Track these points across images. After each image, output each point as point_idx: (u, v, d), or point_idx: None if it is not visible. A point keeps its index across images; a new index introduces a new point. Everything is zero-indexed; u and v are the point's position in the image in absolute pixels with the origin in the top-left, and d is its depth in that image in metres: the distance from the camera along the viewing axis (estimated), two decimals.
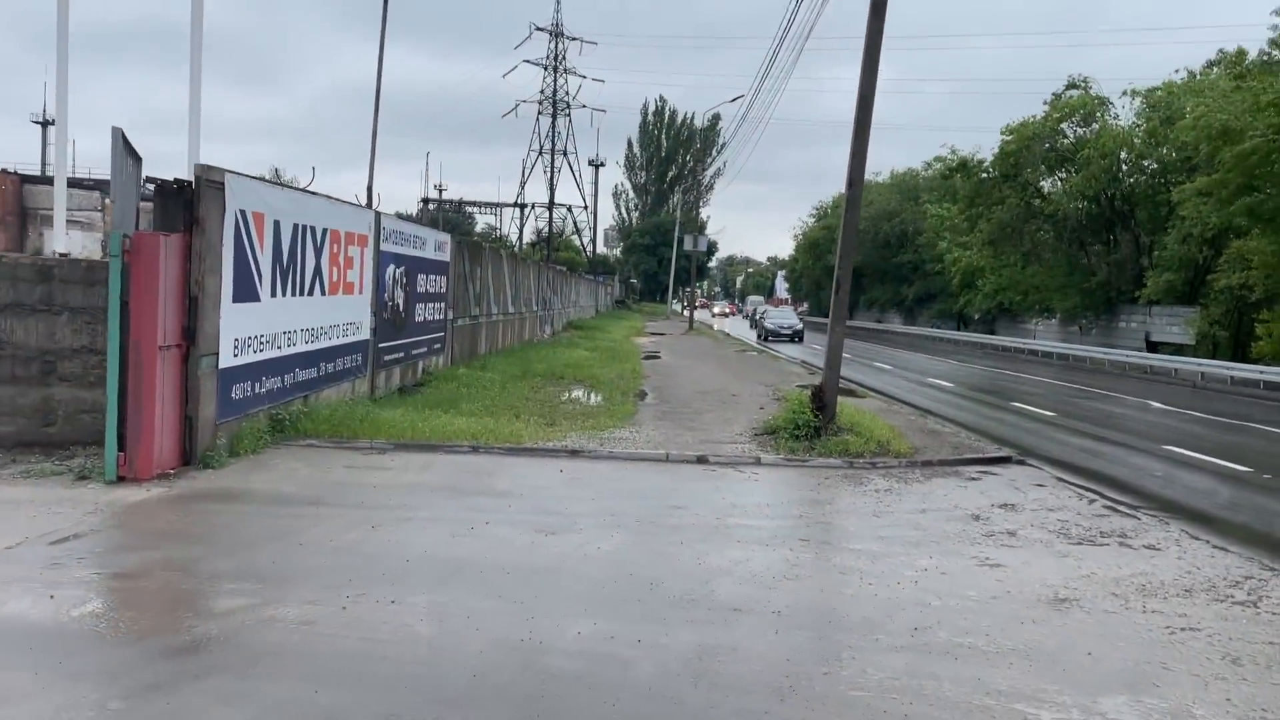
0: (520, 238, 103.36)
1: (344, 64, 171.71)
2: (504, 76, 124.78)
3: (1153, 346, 34.91)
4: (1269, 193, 24.51)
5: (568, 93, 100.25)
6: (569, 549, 7.28)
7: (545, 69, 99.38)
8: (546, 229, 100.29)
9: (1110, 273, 36.84)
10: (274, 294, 10.84)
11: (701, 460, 11.30)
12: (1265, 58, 31.80)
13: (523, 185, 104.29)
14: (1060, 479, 11.49)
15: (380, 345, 15.06)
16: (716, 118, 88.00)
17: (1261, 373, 25.69)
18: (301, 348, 11.69)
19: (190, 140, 11.26)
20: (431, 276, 18.18)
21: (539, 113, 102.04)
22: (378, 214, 14.71)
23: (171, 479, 8.80)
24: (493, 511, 8.29)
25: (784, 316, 50.78)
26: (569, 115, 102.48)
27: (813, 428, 12.19)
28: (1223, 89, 30.71)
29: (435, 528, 7.63)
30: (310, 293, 11.97)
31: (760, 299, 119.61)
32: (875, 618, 6.01)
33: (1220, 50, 35.89)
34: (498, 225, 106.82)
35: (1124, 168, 35.62)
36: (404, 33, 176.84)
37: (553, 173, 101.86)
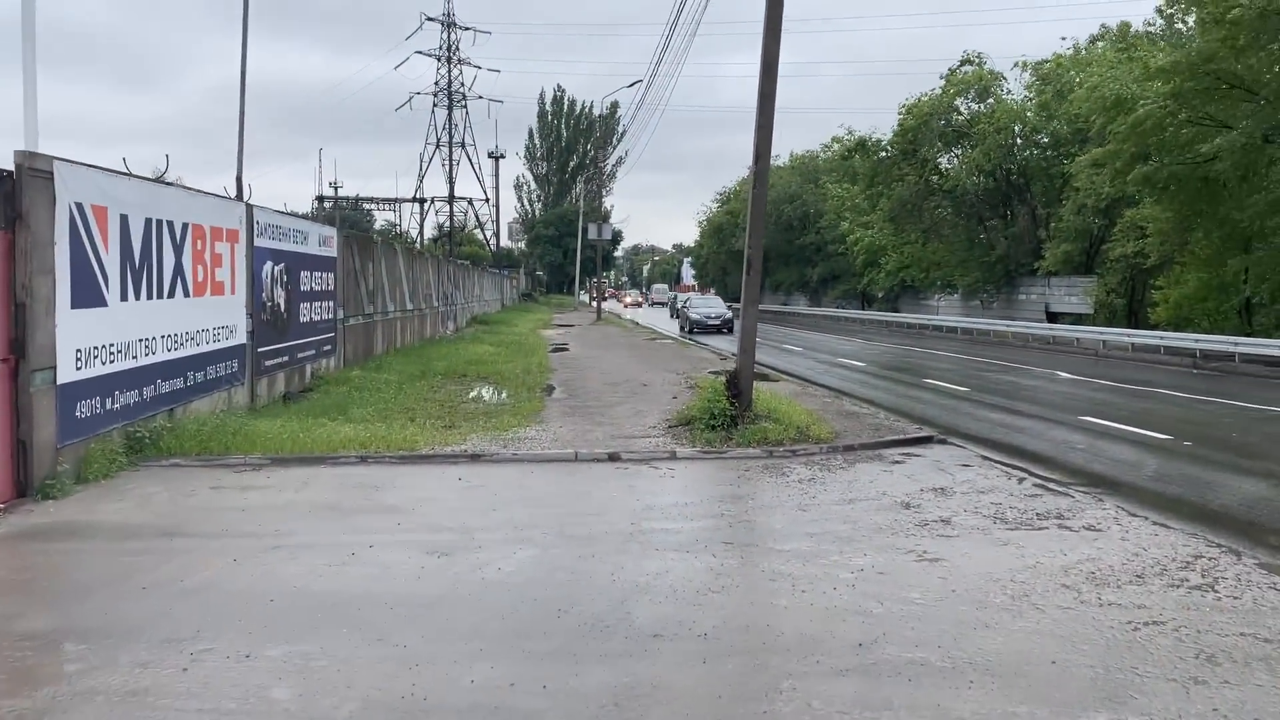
0: (421, 233, 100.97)
1: (231, 62, 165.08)
2: (395, 69, 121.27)
3: (1053, 317, 35.48)
4: (1163, 161, 24.86)
5: (463, 84, 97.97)
6: (465, 572, 6.40)
7: (439, 60, 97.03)
8: (448, 223, 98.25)
9: (1009, 246, 37.31)
10: (125, 297, 9.63)
11: (613, 458, 10.50)
12: (1150, 28, 32.52)
13: (420, 179, 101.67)
14: (985, 458, 11.05)
15: (260, 349, 13.85)
16: (615, 106, 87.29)
17: (1161, 338, 26.14)
18: (163, 356, 10.49)
19: (26, 130, 9.94)
20: (317, 273, 16.95)
21: (434, 105, 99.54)
22: (249, 207, 13.48)
23: (1, 514, 7.61)
24: (379, 532, 7.34)
25: (710, 305, 43.29)
26: (465, 107, 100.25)
27: (729, 417, 11.51)
28: (1109, 60, 31.22)
29: (309, 556, 6.66)
30: (171, 294, 10.76)
31: (664, 287, 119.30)
32: (814, 633, 5.30)
33: (1103, 25, 36.64)
34: (398, 222, 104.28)
35: (1018, 142, 36.06)
36: (298, 29, 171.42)
37: (451, 165, 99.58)
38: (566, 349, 28.44)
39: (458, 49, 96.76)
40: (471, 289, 45.62)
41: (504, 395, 16.37)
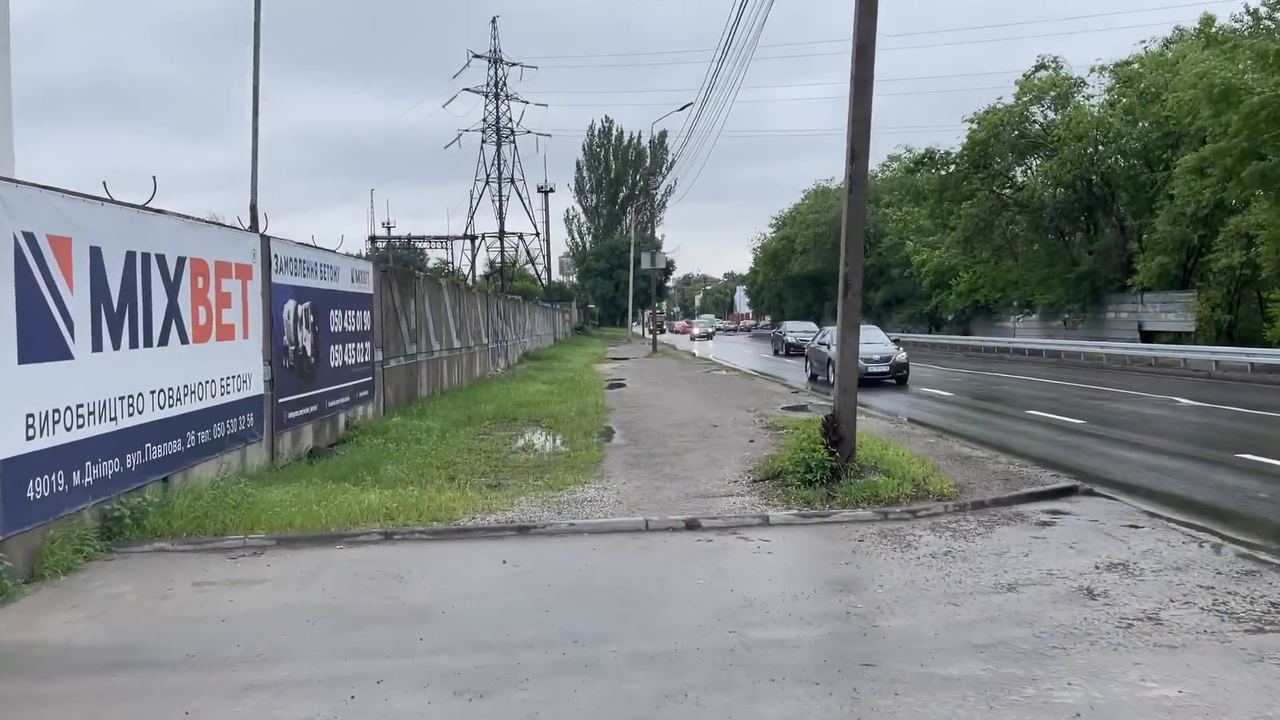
0: (473, 270, 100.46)
1: (290, 109, 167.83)
2: (444, 106, 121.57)
3: (1147, 336, 32.81)
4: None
5: (510, 119, 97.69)
6: None
7: (486, 96, 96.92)
8: (499, 259, 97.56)
9: (1095, 261, 34.72)
10: (99, 347, 7.96)
11: (692, 526, 8.55)
12: (1237, 22, 30.03)
13: (471, 216, 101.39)
14: (1153, 515, 8.91)
15: (281, 400, 12.19)
16: (663, 135, 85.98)
17: None
18: (152, 415, 8.80)
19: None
20: (350, 312, 15.33)
21: (483, 141, 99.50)
22: (265, 238, 11.87)
23: None
24: (394, 654, 5.48)
25: (871, 343, 24.82)
26: (514, 142, 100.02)
27: (828, 469, 9.50)
28: (1198, 58, 28.81)
29: (291, 705, 4.80)
30: (163, 342, 9.10)
31: (710, 317, 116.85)
32: None
33: (1176, 28, 34.15)
34: (450, 259, 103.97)
35: (1100, 149, 33.58)
36: (352, 74, 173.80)
37: (501, 201, 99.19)
38: (623, 385, 26.58)
39: (504, 85, 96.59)
40: (523, 324, 44.14)
41: (558, 442, 14.53)
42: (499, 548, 7.93)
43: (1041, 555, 7.49)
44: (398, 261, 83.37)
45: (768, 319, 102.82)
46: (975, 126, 36.53)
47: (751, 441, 13.64)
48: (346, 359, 15.12)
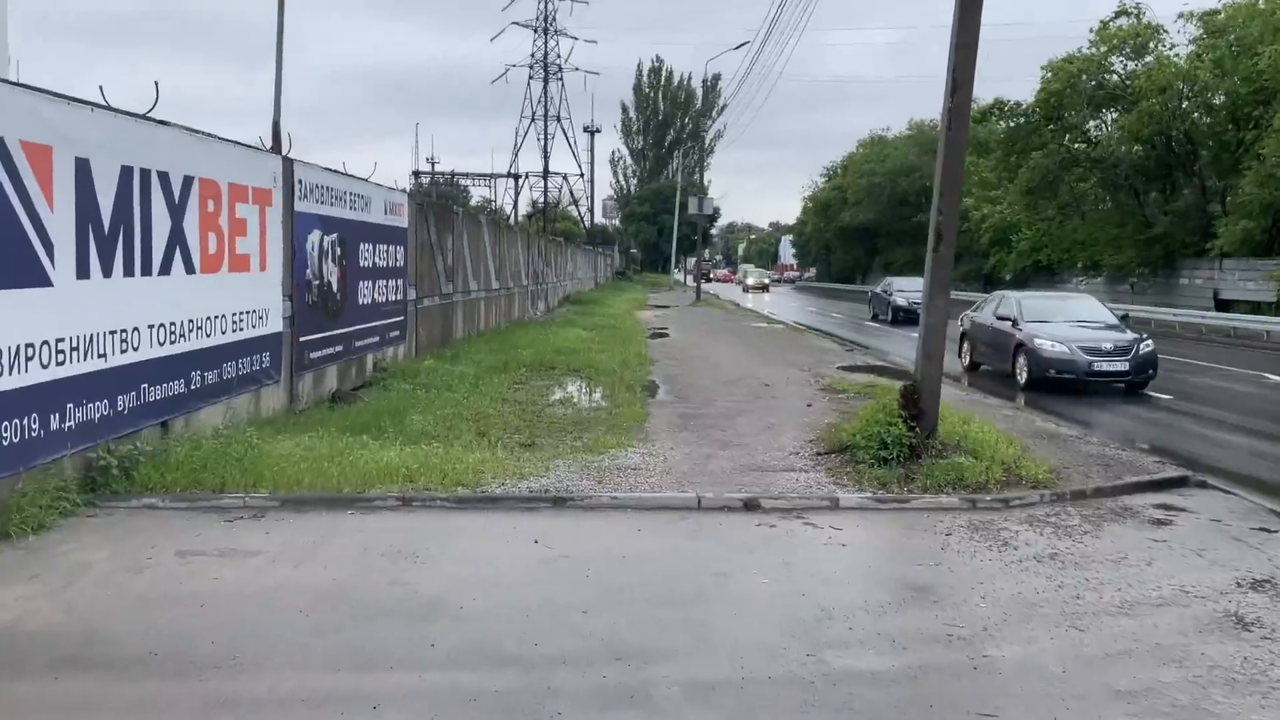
0: (515, 209, 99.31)
1: (347, 42, 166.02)
2: (492, 40, 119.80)
3: (1222, 305, 31.01)
4: None
5: (559, 55, 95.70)
6: None
7: (535, 31, 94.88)
8: (542, 199, 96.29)
9: (1171, 223, 32.76)
10: (85, 273, 6.99)
11: (751, 506, 7.49)
12: None
13: (515, 154, 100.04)
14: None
15: (303, 339, 11.24)
16: (716, 78, 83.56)
17: None
18: (150, 352, 7.86)
19: None
20: (381, 246, 14.32)
21: (530, 77, 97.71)
22: (289, 161, 10.83)
23: None
24: (398, 665, 4.50)
25: (1089, 321, 16.30)
26: (561, 79, 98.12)
27: (906, 446, 8.36)
28: None
29: None
30: (165, 270, 8.13)
31: (749, 267, 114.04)
32: None
33: None
34: (493, 198, 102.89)
35: (1185, 104, 31.47)
36: (400, 5, 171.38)
37: (546, 139, 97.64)
38: (666, 334, 25.49)
39: (554, 19, 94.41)
40: (564, 266, 43.06)
41: (598, 396, 13.50)
42: (531, 522, 6.92)
43: (1167, 564, 6.34)
44: (441, 198, 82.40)
45: (813, 270, 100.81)
46: (1050, 76, 34.46)
47: (809, 405, 12.51)
48: (376, 297, 14.14)
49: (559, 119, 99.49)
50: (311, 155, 10.95)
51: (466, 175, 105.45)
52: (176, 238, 8.25)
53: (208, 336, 8.86)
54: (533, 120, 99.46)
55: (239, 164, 9.56)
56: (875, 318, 33.43)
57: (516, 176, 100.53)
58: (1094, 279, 39.29)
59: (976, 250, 49.27)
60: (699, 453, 9.36)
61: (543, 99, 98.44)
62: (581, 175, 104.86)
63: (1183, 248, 32.91)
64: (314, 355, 11.65)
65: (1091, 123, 35.71)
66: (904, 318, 30.06)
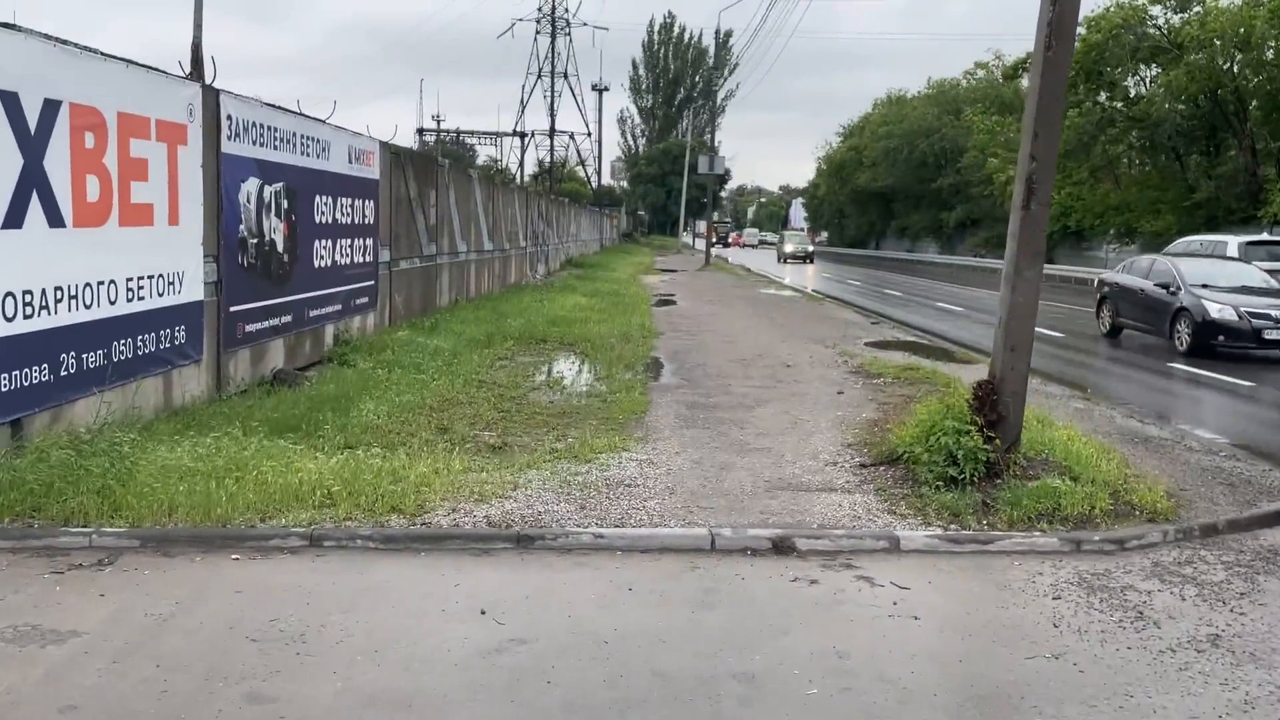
0: (521, 168, 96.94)
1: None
2: None
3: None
4: None
5: (567, 10, 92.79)
6: None
7: None
8: (548, 158, 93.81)
9: (1217, 187, 30.48)
10: None
11: (783, 549, 5.57)
12: None
13: (521, 111, 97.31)
14: None
15: (234, 309, 9.31)
16: (729, 34, 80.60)
17: None
18: None
19: None
20: (345, 200, 12.36)
21: (537, 32, 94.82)
22: (211, 91, 8.82)
23: None
24: None
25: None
26: (569, 34, 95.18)
27: (982, 462, 6.42)
28: None
29: None
30: (14, 222, 6.19)
31: (755, 230, 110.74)
32: None
33: None
34: (499, 157, 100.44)
35: (1238, 57, 29.03)
36: None
37: (553, 96, 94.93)
38: (674, 302, 23.53)
39: None
40: (567, 227, 40.98)
41: (592, 377, 11.58)
42: (480, 576, 5.03)
43: None
44: (446, 156, 79.73)
45: (824, 235, 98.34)
46: (1089, 28, 32.02)
47: (840, 393, 10.57)
48: (338, 258, 12.20)
49: (566, 76, 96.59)
50: (215, 74, 8.92)
51: (471, 133, 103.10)
52: (31, 179, 6.30)
53: (87, 308, 6.94)
54: (539, 77, 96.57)
55: (136, 90, 7.57)
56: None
57: (522, 135, 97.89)
58: (1128, 245, 37.06)
59: (999, 215, 47.01)
60: (711, 460, 7.44)
61: (550, 55, 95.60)
62: (589, 134, 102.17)
63: (1228, 214, 30.64)
64: (250, 328, 9.73)
65: (1131, 79, 33.30)
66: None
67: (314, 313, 11.45)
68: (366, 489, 5.99)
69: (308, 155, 11.11)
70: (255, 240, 9.79)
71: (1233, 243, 19.33)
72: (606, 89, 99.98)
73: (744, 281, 33.53)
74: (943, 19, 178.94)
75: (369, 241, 13.38)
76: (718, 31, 50.47)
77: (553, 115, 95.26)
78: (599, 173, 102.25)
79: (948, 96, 57.53)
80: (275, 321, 10.31)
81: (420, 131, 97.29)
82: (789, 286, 31.74)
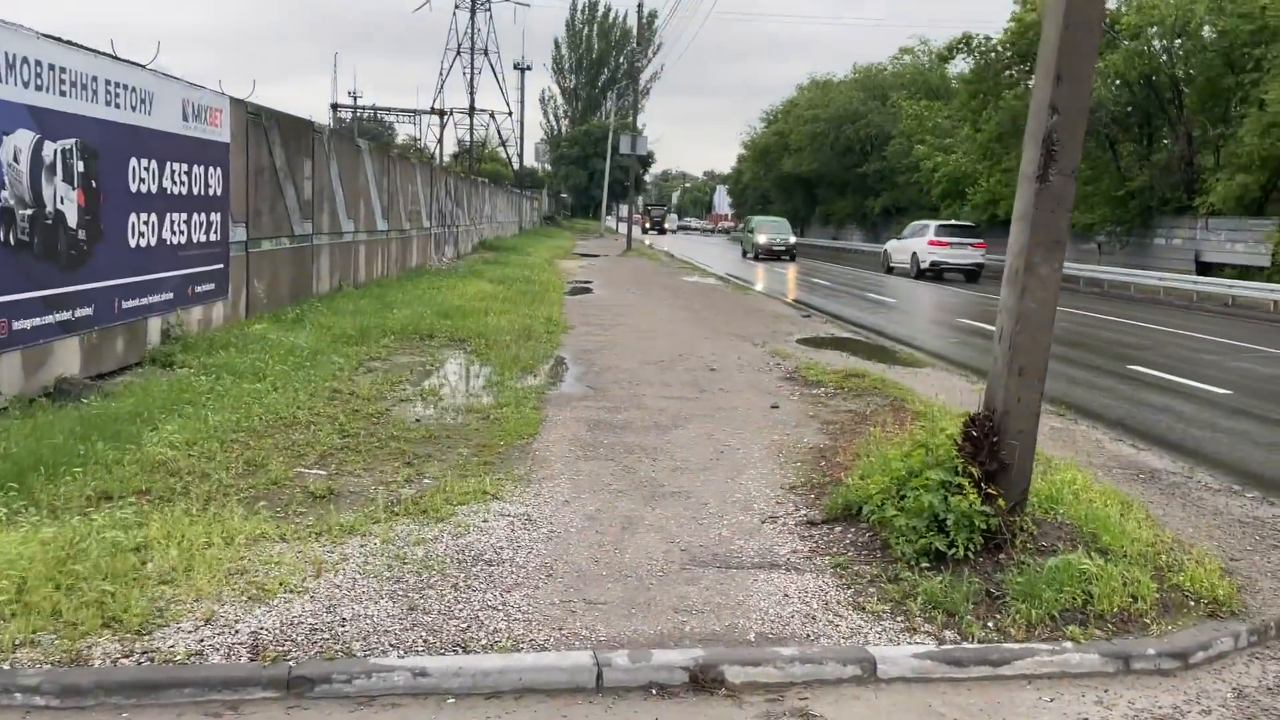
0: (440, 147, 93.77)
1: None
2: None
3: (1203, 268, 28.08)
4: None
5: None
6: None
7: None
8: (468, 137, 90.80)
9: (1151, 176, 29.60)
10: None
11: (704, 681, 3.68)
12: None
13: (440, 87, 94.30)
14: None
15: None
16: (653, 14, 78.58)
17: None
18: None
19: None
20: (178, 166, 10.11)
21: (456, 7, 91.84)
22: None
23: None
24: None
25: None
26: (489, 10, 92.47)
27: (980, 529, 4.63)
28: None
29: None
30: None
31: (664, 210, 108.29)
32: None
33: None
34: (419, 135, 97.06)
35: (1178, 42, 28.08)
36: None
37: (472, 74, 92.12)
38: (589, 290, 21.59)
39: None
40: (480, 208, 38.61)
41: (478, 384, 9.60)
42: None
43: None
44: (364, 135, 76.18)
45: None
46: (1025, 8, 30.86)
47: (775, 407, 8.77)
48: (169, 235, 9.96)
49: (486, 53, 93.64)
50: (229, 88, 6.73)
51: (389, 110, 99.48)
52: None
53: None
54: (458, 54, 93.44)
55: None
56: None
57: (441, 113, 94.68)
58: None
59: (925, 203, 46.06)
60: (611, 513, 5.53)
61: (469, 30, 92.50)
62: (510, 114, 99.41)
63: (1162, 204, 29.84)
64: (21, 325, 7.49)
65: None
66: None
67: (129, 303, 9.20)
68: (76, 586, 3.93)
69: (118, 107, 8.86)
70: (30, 211, 7.55)
71: (932, 225, 32.84)
72: (529, 68, 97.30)
73: (666, 268, 31.70)
74: (867, 7, 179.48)
75: (215, 217, 11.13)
76: (640, 6, 48.39)
77: (472, 93, 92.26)
78: (521, 154, 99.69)
79: (874, 81, 56.36)
80: (65, 315, 8.07)
81: (335, 107, 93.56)
82: (713, 274, 30.02)
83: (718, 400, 9.05)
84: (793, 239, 41.39)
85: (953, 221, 34.01)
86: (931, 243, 31.33)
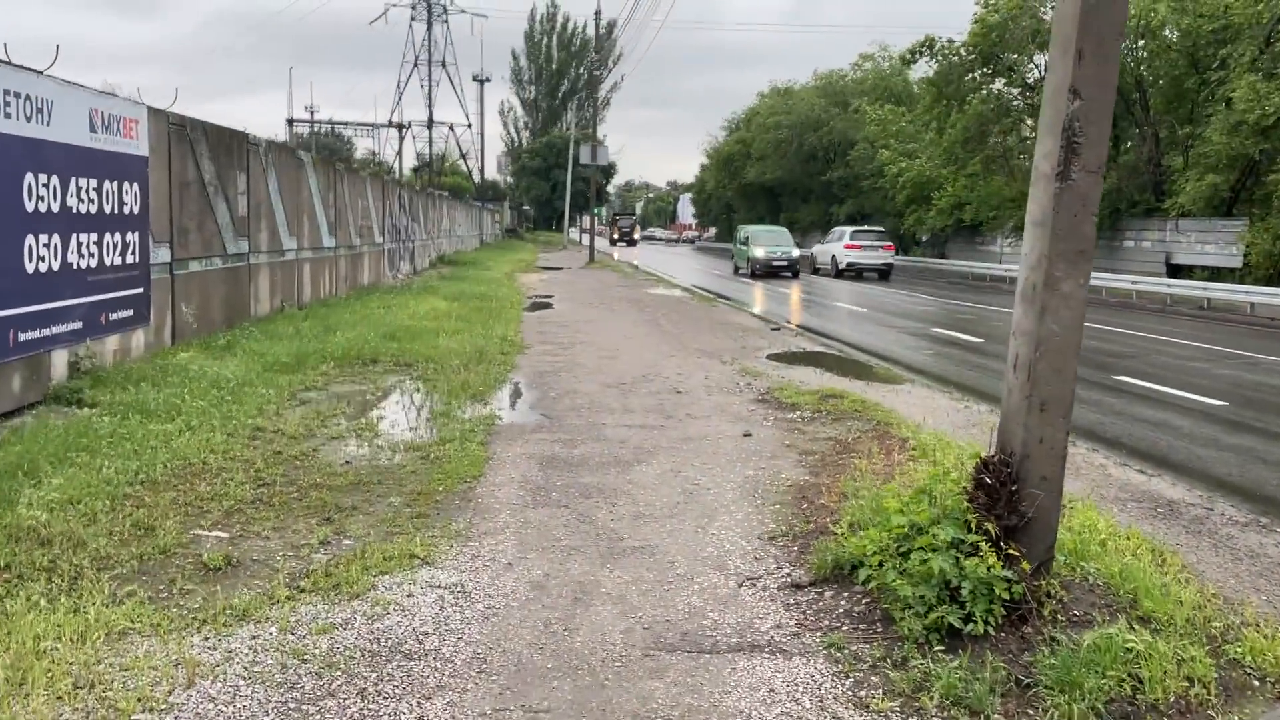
0: (399, 160, 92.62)
1: None
2: None
3: (1174, 270, 27.78)
4: None
5: None
6: None
7: None
8: (428, 150, 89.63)
9: (1119, 178, 29.29)
10: None
11: None
12: None
13: (398, 99, 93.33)
14: None
15: None
16: (611, 24, 77.98)
17: None
18: None
19: None
20: (85, 182, 9.15)
21: (412, 18, 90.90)
22: None
23: None
24: None
25: None
26: (446, 21, 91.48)
27: (1001, 597, 3.84)
28: None
29: None
30: None
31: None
32: None
33: None
34: (377, 150, 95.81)
35: (1141, 43, 27.85)
36: None
37: (430, 86, 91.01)
38: (549, 305, 20.75)
39: None
40: (439, 222, 37.61)
41: (421, 415, 8.73)
42: None
43: None
44: (321, 149, 74.57)
45: (713, 230, 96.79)
46: (988, 10, 30.50)
47: (748, 435, 7.98)
48: (75, 259, 9.00)
49: (445, 65, 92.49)
50: (187, 108, 5.79)
51: (346, 124, 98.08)
52: None
53: None
54: (415, 66, 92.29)
55: None
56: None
57: (400, 126, 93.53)
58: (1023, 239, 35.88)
59: (890, 209, 45.70)
60: (562, 578, 4.70)
61: (426, 42, 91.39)
62: (469, 126, 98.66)
63: (1131, 206, 29.52)
64: None
65: (1032, 63, 31.90)
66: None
67: (26, 335, 8.24)
68: None
69: (8, 117, 7.91)
70: None
71: (848, 230, 37.04)
72: (488, 80, 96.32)
73: (629, 280, 30.92)
74: (826, 15, 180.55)
75: (132, 237, 10.18)
76: (597, 14, 47.65)
77: (430, 105, 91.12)
78: (482, 167, 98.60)
79: (835, 88, 56.06)
80: None
81: (291, 122, 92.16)
82: (677, 285, 29.29)
83: (685, 428, 8.25)
84: (796, 251, 36.13)
85: (865, 227, 37.89)
86: (848, 246, 35.45)
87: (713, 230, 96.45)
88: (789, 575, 4.74)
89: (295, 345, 11.77)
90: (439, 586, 4.54)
